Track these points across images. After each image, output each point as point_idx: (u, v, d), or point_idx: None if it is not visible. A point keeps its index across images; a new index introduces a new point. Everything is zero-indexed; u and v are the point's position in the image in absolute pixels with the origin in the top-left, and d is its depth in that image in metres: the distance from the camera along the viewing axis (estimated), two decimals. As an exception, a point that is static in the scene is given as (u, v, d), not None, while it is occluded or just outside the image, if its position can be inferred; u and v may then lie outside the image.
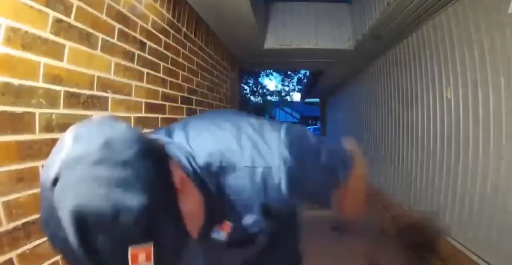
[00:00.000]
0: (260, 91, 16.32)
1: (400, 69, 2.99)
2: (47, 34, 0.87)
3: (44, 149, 0.87)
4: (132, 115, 1.35)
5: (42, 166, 0.86)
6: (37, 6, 0.83)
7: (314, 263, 2.57)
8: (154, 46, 1.53)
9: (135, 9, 1.34)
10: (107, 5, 1.14)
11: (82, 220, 0.32)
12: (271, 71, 14.13)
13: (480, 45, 1.74)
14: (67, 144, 0.39)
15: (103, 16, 1.12)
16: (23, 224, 0.79)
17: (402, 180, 2.98)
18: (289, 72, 15.97)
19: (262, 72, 13.80)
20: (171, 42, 1.73)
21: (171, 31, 1.73)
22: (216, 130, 0.54)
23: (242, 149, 0.51)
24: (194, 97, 2.15)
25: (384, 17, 2.35)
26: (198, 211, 0.48)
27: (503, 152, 1.59)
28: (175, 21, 1.79)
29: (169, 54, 1.71)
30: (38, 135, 0.85)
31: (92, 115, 1.08)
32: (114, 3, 1.18)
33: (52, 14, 0.88)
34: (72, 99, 0.98)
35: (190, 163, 0.49)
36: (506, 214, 1.56)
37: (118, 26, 1.21)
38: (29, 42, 0.81)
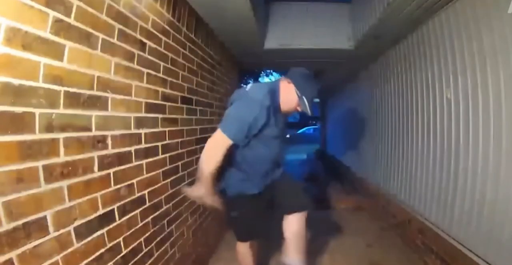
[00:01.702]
0: (260, 91, 16.27)
1: (400, 69, 2.99)
2: (47, 34, 0.87)
3: (44, 149, 0.87)
4: (132, 115, 1.35)
5: (42, 166, 0.86)
6: (37, 6, 0.83)
7: (313, 262, 2.57)
8: (154, 46, 1.53)
9: (135, 9, 1.34)
10: (107, 5, 1.14)
11: None
12: (271, 71, 14.13)
13: (480, 45, 1.75)
14: None
15: (103, 16, 1.12)
16: (23, 224, 0.79)
17: (401, 178, 2.98)
18: (289, 72, 15.94)
19: (262, 72, 13.81)
20: (171, 42, 1.73)
21: (171, 31, 1.73)
22: None
23: None
24: (194, 97, 2.15)
25: (384, 17, 2.35)
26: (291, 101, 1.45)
27: (503, 152, 1.59)
28: (175, 21, 1.79)
29: (169, 54, 1.71)
30: (38, 135, 0.85)
31: (92, 115, 1.08)
32: (114, 3, 1.18)
33: (52, 14, 0.88)
34: (72, 99, 0.98)
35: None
36: (506, 213, 1.56)
37: (118, 26, 1.21)
38: (29, 42, 0.81)
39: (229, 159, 1.46)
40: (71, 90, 0.97)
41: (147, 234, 1.45)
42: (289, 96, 1.45)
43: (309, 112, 1.42)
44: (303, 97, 1.41)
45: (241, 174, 1.54)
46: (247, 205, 1.56)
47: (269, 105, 1.37)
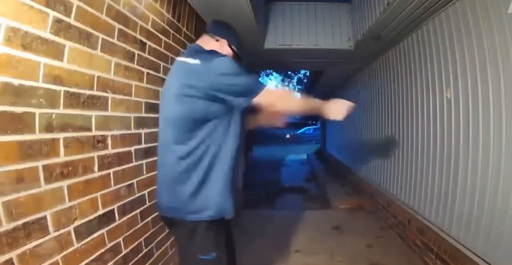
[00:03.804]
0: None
1: (400, 69, 2.99)
2: (47, 34, 0.87)
3: (44, 149, 0.87)
4: (132, 115, 1.35)
5: (42, 166, 0.86)
6: (37, 6, 0.83)
7: (313, 262, 2.58)
8: (154, 46, 1.53)
9: (135, 9, 1.35)
10: (107, 5, 1.14)
11: None
12: (271, 71, 14.14)
13: (480, 45, 1.75)
14: None
15: (103, 16, 1.12)
16: (23, 224, 0.79)
17: (401, 178, 2.98)
18: (289, 72, 15.99)
19: (262, 72, 13.81)
20: (171, 42, 1.73)
21: (171, 31, 1.73)
22: None
23: None
24: (194, 97, 2.15)
25: (384, 17, 2.35)
26: None
27: (503, 152, 1.59)
28: (175, 21, 1.79)
29: (169, 54, 1.71)
30: (38, 135, 0.85)
31: (92, 115, 1.08)
32: (114, 3, 1.18)
33: (52, 14, 0.88)
34: (72, 99, 0.98)
35: None
36: (506, 213, 1.56)
37: (118, 26, 1.21)
38: (29, 42, 0.81)
39: (208, 158, 1.01)
40: (71, 90, 0.97)
41: (147, 234, 1.45)
42: (223, 48, 1.21)
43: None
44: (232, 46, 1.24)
45: (225, 178, 1.05)
46: (223, 240, 1.11)
47: None
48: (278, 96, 1.10)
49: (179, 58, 1.10)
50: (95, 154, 1.09)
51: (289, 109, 1.13)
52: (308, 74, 10.83)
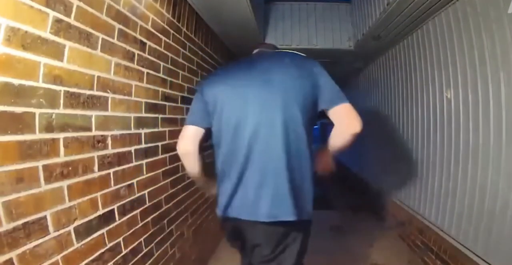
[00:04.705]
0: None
1: (400, 69, 2.99)
2: (47, 34, 0.87)
3: (44, 149, 0.87)
4: (132, 115, 1.35)
5: (42, 166, 0.86)
6: (37, 6, 0.83)
7: (313, 262, 2.58)
8: (154, 46, 1.53)
9: (135, 9, 1.34)
10: (107, 5, 1.14)
11: None
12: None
13: (480, 45, 1.74)
14: None
15: (103, 16, 1.12)
16: (23, 224, 0.79)
17: (401, 178, 2.98)
18: (289, 72, 15.96)
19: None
20: (171, 42, 1.73)
21: (171, 31, 1.73)
22: None
23: None
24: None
25: (384, 17, 2.35)
26: None
27: (503, 152, 1.59)
28: (175, 21, 1.79)
29: (169, 54, 1.71)
30: (38, 135, 0.85)
31: (92, 115, 1.08)
32: (114, 3, 1.18)
33: (52, 14, 0.88)
34: (72, 99, 0.98)
35: None
36: (506, 214, 1.56)
37: (118, 26, 1.21)
38: (29, 42, 0.81)
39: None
40: (71, 90, 0.97)
41: (147, 234, 1.45)
42: None
43: None
44: None
45: None
46: None
47: None
48: (356, 118, 1.04)
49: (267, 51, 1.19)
50: (95, 154, 1.09)
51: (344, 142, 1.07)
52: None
